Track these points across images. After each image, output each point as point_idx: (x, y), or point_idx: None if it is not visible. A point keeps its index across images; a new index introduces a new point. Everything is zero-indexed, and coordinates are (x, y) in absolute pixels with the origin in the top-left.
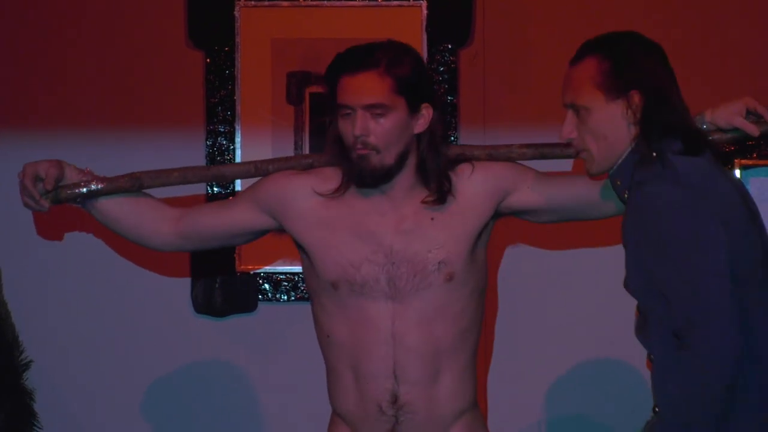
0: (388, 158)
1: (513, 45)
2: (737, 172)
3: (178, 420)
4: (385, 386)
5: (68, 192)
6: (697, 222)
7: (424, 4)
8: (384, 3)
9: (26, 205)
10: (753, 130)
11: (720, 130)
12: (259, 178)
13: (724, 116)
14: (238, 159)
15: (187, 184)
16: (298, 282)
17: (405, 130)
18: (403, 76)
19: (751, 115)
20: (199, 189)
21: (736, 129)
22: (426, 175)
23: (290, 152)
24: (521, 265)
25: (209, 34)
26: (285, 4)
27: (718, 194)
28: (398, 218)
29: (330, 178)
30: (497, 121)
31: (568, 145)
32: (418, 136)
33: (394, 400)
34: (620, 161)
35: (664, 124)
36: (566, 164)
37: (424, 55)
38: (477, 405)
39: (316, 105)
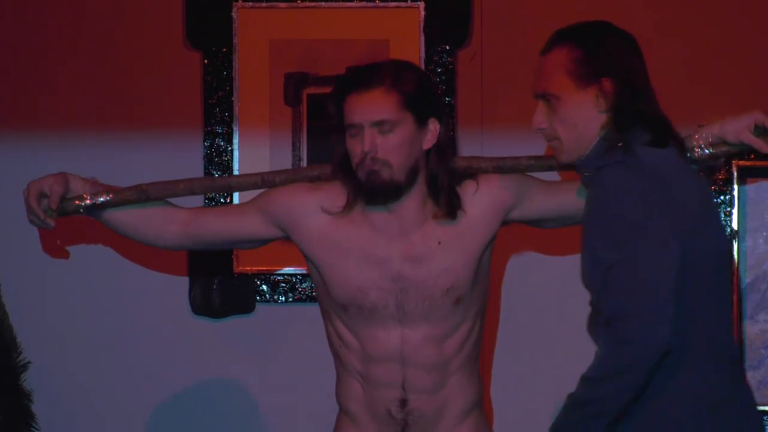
0: (398, 173)
1: (511, 46)
2: (734, 173)
3: (176, 421)
4: (394, 395)
5: (74, 205)
6: (651, 212)
7: (422, 5)
8: (382, 4)
9: (32, 222)
10: (762, 146)
11: (726, 143)
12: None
13: (733, 131)
14: (236, 160)
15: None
16: (296, 283)
17: (413, 145)
18: (408, 92)
19: (758, 128)
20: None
21: (743, 144)
22: (436, 191)
23: (288, 153)
24: (523, 269)
25: (207, 35)
26: (283, 5)
27: (679, 188)
28: (406, 244)
29: (338, 194)
30: (495, 122)
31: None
32: (427, 151)
33: (403, 405)
34: (589, 150)
35: (635, 112)
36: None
37: (422, 56)
38: (482, 403)
39: (313, 106)
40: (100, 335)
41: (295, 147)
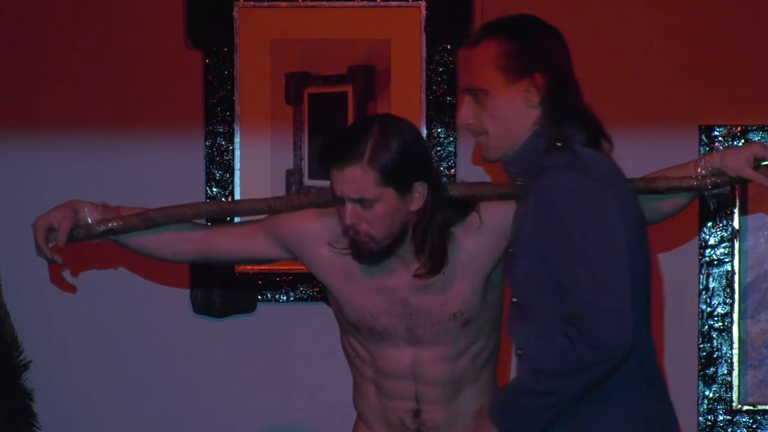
0: (382, 242)
1: None
2: None
3: (177, 420)
4: (407, 406)
5: (83, 234)
6: (602, 212)
7: (423, 4)
8: (383, 3)
9: (39, 255)
10: (763, 181)
11: (725, 174)
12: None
13: (733, 165)
14: (237, 159)
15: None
16: (297, 283)
17: (398, 213)
18: (387, 167)
19: (757, 161)
20: (198, 190)
21: (742, 178)
22: (421, 249)
23: (289, 152)
24: None
25: (208, 35)
26: (284, 4)
27: (623, 195)
28: (410, 274)
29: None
30: None
31: None
32: (417, 211)
33: (416, 416)
34: (518, 147)
35: (566, 108)
36: None
37: (423, 55)
38: None
39: (315, 105)
40: (101, 334)
41: (296, 146)
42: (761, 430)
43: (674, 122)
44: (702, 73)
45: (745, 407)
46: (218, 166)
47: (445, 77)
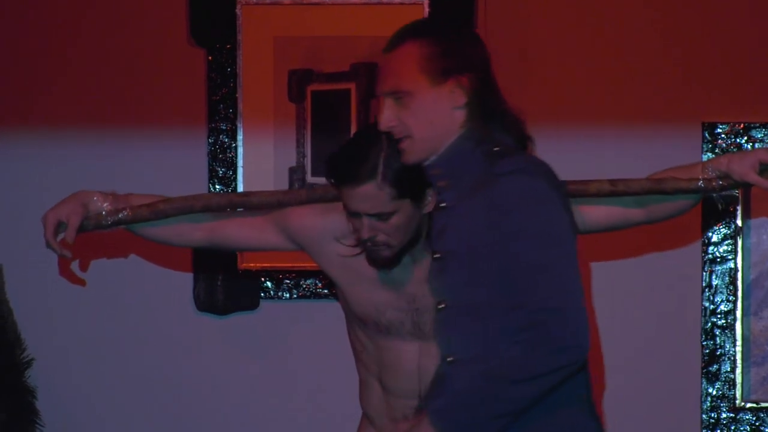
0: (399, 248)
1: (515, 43)
2: None
3: (179, 418)
4: (412, 403)
5: (93, 224)
6: (559, 217)
7: (426, 2)
8: (386, 1)
9: (49, 249)
10: (767, 186)
11: (730, 176)
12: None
13: (738, 170)
14: (240, 157)
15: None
16: (300, 280)
17: (413, 220)
18: (402, 181)
19: (763, 166)
20: (201, 187)
21: (748, 183)
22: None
23: (292, 150)
24: None
25: (211, 32)
26: (287, 2)
27: (563, 192)
28: (418, 268)
29: None
30: None
31: (586, 182)
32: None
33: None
34: (444, 149)
35: (492, 109)
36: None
37: None
38: None
39: (318, 103)
40: (103, 332)
41: (299, 144)
42: (764, 427)
43: (677, 119)
44: (705, 70)
45: (749, 404)
46: (221, 163)
47: None
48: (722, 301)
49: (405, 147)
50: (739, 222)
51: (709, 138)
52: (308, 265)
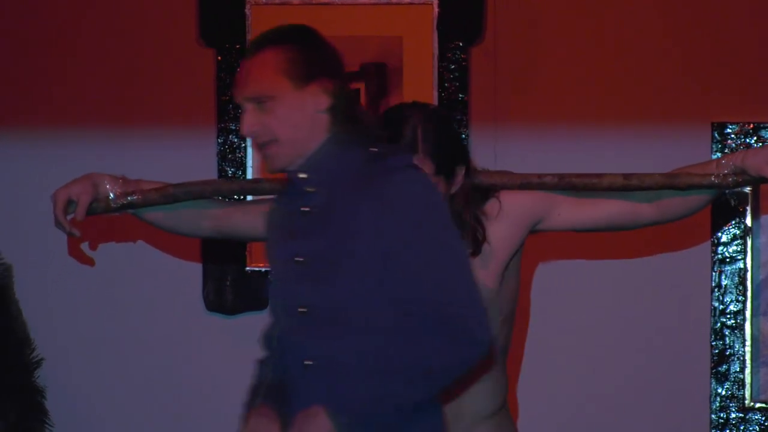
0: None
1: (524, 43)
2: None
3: (188, 417)
4: None
5: (102, 207)
6: (444, 211)
7: (436, 1)
8: (395, 1)
9: (58, 228)
10: None
11: (746, 173)
12: None
13: (754, 165)
14: (249, 157)
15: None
16: None
17: (445, 198)
18: (439, 154)
19: None
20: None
21: (763, 178)
22: (460, 228)
23: None
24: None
25: (220, 33)
26: (296, 2)
27: None
28: None
29: None
30: (508, 119)
31: (599, 175)
32: (453, 195)
33: None
34: (311, 153)
35: (354, 113)
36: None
37: (435, 53)
38: (506, 405)
39: None
40: (113, 332)
41: None
42: None
43: (687, 120)
44: (714, 70)
45: (758, 405)
46: (230, 163)
47: (457, 74)
48: (731, 301)
49: (270, 152)
50: (748, 222)
51: (718, 138)
52: None
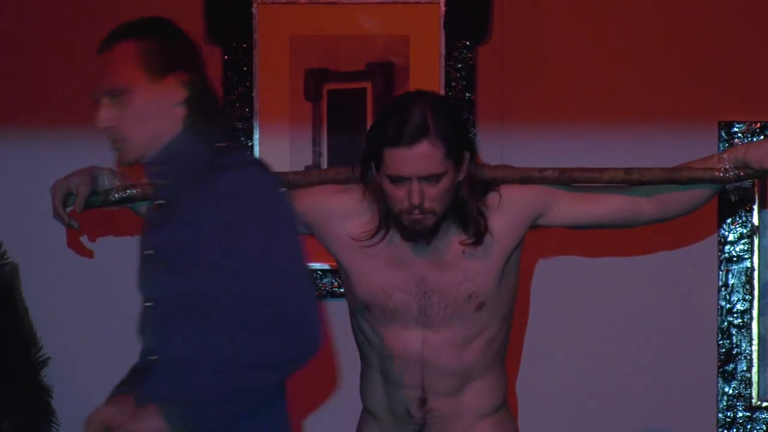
0: (441, 217)
1: (531, 42)
2: None
3: None
4: (414, 394)
5: (101, 200)
6: (289, 210)
7: (443, 0)
8: (402, 0)
9: (57, 220)
10: None
11: (748, 166)
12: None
13: (756, 158)
14: (256, 156)
15: None
16: (317, 279)
17: (453, 186)
18: (450, 137)
19: None
20: None
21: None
22: (464, 218)
23: (308, 149)
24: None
25: (227, 31)
26: (303, 1)
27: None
28: (432, 251)
29: (363, 198)
30: (515, 118)
31: (600, 169)
32: (458, 182)
33: (422, 404)
34: (165, 145)
35: (211, 107)
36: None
37: (442, 51)
38: (506, 403)
39: (334, 102)
40: (119, 332)
41: (315, 143)
42: None
43: (693, 119)
44: (721, 69)
45: (765, 404)
46: None
47: (464, 73)
48: (738, 300)
49: (122, 146)
50: (755, 221)
51: (725, 137)
52: (325, 263)
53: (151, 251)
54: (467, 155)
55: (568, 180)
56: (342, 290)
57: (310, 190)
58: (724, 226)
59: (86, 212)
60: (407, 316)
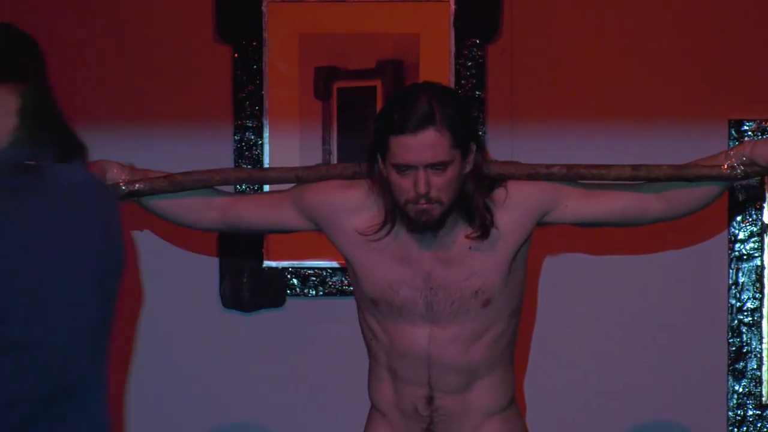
0: (448, 208)
1: (541, 40)
2: None
3: (205, 414)
4: (421, 392)
5: None
6: (58, 239)
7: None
8: None
9: None
10: None
11: (755, 164)
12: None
13: (764, 155)
14: (266, 154)
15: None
16: (326, 277)
17: (459, 176)
18: (456, 126)
19: None
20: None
21: None
22: (470, 212)
23: (318, 147)
24: (559, 268)
25: (237, 29)
26: None
27: (92, 207)
28: (438, 246)
29: (370, 192)
30: (525, 116)
31: (607, 166)
32: (465, 174)
33: (429, 402)
34: None
35: (45, 118)
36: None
37: (452, 50)
38: (514, 401)
39: (343, 100)
40: (129, 329)
41: (325, 141)
42: None
43: (703, 117)
44: (731, 67)
45: None
46: (247, 160)
47: (473, 72)
48: (749, 298)
49: None
50: (765, 219)
51: (735, 135)
52: (334, 261)
53: None
54: (474, 146)
55: (576, 176)
56: (351, 288)
57: (317, 186)
58: (734, 224)
59: None
60: (414, 312)
